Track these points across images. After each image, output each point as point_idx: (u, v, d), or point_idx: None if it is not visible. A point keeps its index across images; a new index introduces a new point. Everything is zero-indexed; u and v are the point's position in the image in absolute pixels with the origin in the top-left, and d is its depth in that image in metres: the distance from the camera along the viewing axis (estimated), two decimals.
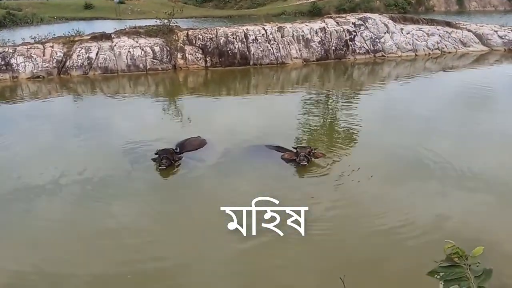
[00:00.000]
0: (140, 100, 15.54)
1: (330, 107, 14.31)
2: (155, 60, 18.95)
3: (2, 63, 17.68)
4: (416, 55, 22.00)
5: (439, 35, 23.12)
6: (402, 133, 10.84)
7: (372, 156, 9.10)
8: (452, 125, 11.40)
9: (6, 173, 8.79)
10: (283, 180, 8.09)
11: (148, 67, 18.76)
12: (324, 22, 21.99)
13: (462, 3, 60.38)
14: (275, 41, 20.26)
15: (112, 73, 18.37)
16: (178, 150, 8.84)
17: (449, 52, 22.62)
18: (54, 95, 16.48)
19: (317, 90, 16.75)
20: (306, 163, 8.20)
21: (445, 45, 22.84)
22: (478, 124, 11.56)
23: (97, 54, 18.54)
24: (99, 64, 18.35)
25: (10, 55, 17.89)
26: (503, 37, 23.83)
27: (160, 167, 8.26)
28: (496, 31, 24.29)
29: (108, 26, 25.92)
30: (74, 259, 5.99)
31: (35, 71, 17.78)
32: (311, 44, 20.69)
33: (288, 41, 20.51)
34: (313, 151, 8.44)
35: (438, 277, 2.51)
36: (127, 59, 18.66)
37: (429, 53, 22.24)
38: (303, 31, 20.86)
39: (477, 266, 2.45)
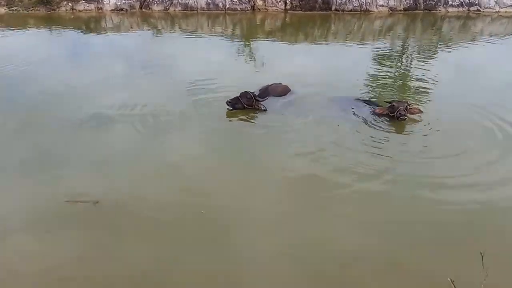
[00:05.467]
0: (217, 40, 15.45)
1: (411, 61, 13.46)
2: (234, 0, 18.56)
3: None
4: None
5: None
6: (477, 96, 9.73)
7: (441, 114, 8.50)
8: None
9: (78, 102, 9.05)
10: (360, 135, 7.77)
11: (227, 6, 18.47)
12: None
13: None
14: None
15: (192, 10, 18.31)
16: (263, 96, 8.69)
17: None
18: (134, 29, 16.79)
19: (400, 42, 15.77)
20: (405, 117, 7.87)
21: None
22: None
23: None
24: (180, 0, 18.31)
25: None
26: None
27: (228, 107, 8.30)
28: None
29: None
30: (139, 186, 6.16)
31: (119, 3, 18.12)
32: None
33: None
34: (409, 106, 8.01)
35: None
36: None
37: None
38: None
39: None
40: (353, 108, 8.63)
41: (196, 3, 18.32)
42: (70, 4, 17.95)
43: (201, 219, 5.44)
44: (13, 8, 17.63)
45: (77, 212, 5.52)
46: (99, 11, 17.99)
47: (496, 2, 19.84)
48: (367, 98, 9.24)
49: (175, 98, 9.19)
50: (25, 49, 13.34)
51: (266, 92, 8.98)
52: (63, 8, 17.87)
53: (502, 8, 19.81)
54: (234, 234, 5.18)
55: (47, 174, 6.37)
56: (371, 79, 11.01)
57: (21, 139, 7.46)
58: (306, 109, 8.67)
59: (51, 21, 16.77)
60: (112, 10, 18.02)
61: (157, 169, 6.60)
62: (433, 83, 10.61)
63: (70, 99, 9.22)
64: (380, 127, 7.93)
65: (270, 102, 8.70)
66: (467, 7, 19.62)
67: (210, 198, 5.88)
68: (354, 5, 18.86)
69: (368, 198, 5.90)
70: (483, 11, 19.67)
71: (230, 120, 8.35)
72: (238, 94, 8.41)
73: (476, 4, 19.73)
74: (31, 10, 17.69)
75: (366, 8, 18.92)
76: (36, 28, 16.10)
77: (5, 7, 17.59)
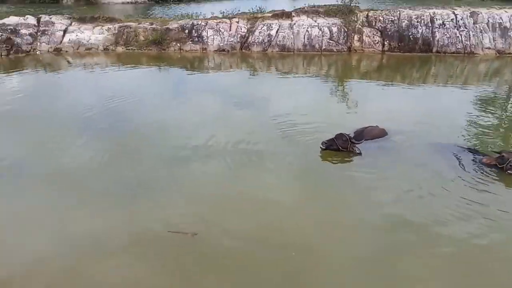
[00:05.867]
0: (311, 80, 15.66)
1: None
2: (331, 41, 18.82)
3: (195, 34, 19.63)
4: None
5: None
6: None
7: None
8: None
9: (173, 135, 9.70)
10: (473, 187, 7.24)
11: (324, 47, 18.75)
12: None
13: None
14: (466, 28, 18.22)
15: (289, 51, 18.87)
16: (359, 139, 8.61)
17: None
18: (233, 68, 17.67)
19: (507, 86, 14.70)
20: None
21: None
22: None
23: (277, 31, 19.20)
24: (278, 42, 19.01)
25: (202, 28, 19.71)
26: None
27: (321, 147, 8.38)
28: None
29: (284, 4, 26.64)
30: (226, 220, 6.48)
31: (222, 44, 19.30)
32: (509, 33, 18.08)
33: (482, 28, 18.23)
34: None
35: None
36: (304, 38, 18.92)
37: None
38: (501, 18, 18.29)
39: None
40: (454, 156, 8.15)
41: (293, 44, 18.88)
42: (178, 44, 19.54)
43: (281, 260, 5.56)
44: (129, 48, 19.66)
45: (172, 241, 5.86)
46: (203, 51, 19.31)
47: None
48: (470, 146, 8.68)
49: (265, 135, 9.47)
50: (134, 85, 14.66)
51: (362, 135, 8.88)
52: (172, 48, 19.49)
53: None
54: (311, 279, 5.13)
55: (144, 203, 6.88)
56: (474, 125, 10.36)
57: (120, 169, 8.12)
58: (402, 154, 8.39)
59: (160, 60, 18.36)
60: (215, 50, 19.25)
61: (245, 204, 6.89)
62: None
63: (166, 132, 9.92)
64: (486, 180, 7.35)
65: (365, 146, 8.57)
66: None
67: (295, 239, 5.96)
68: (458, 47, 18.07)
69: (461, 263, 5.53)
70: None
71: (323, 161, 8.35)
72: (333, 136, 8.42)
73: None
74: (145, 50, 19.56)
75: (471, 50, 18.01)
76: (147, 65, 17.71)
77: (123, 47, 19.68)
